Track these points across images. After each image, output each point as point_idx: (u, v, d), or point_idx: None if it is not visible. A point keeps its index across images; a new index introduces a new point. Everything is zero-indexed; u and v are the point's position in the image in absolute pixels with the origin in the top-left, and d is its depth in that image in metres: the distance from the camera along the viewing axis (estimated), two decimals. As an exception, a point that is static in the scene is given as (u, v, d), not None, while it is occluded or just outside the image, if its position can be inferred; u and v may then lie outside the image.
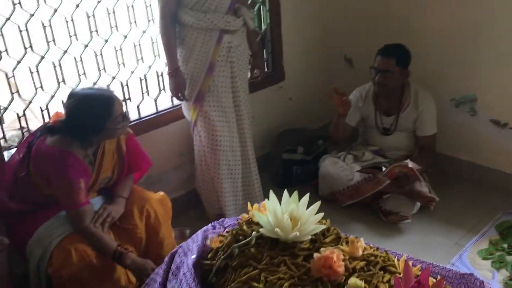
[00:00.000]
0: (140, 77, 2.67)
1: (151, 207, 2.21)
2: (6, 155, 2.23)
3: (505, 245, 2.47)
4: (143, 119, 2.71)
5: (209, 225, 1.77)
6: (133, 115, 2.66)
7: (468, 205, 2.83)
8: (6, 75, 2.20)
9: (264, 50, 3.23)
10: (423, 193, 2.68)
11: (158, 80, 2.76)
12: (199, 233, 1.62)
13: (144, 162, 2.30)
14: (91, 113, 1.92)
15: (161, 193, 2.31)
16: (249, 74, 2.80)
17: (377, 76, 2.77)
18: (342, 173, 2.83)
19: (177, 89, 2.51)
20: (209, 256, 1.51)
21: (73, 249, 1.92)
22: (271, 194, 1.47)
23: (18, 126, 2.36)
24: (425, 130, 2.88)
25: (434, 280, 1.28)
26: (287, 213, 1.41)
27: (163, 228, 2.22)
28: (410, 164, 2.63)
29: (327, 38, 3.48)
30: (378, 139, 2.99)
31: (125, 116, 2.02)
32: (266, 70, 3.26)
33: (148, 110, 2.75)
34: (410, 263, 1.30)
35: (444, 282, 1.30)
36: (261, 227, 1.44)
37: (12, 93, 2.24)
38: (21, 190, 2.06)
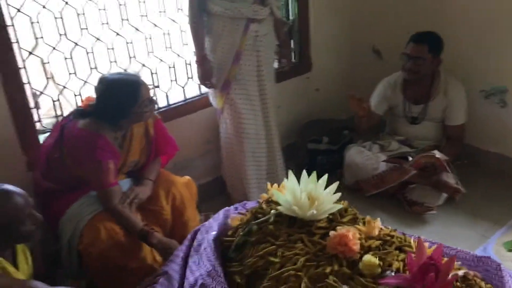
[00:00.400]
0: (168, 65, 2.74)
1: (177, 190, 2.28)
2: (42, 138, 2.34)
3: (532, 238, 2.43)
4: (172, 106, 2.78)
5: (231, 206, 1.82)
6: (161, 102, 2.74)
7: (495, 197, 2.79)
8: (42, 60, 2.30)
9: (292, 41, 3.26)
10: (449, 183, 2.66)
11: (186, 68, 2.83)
12: (221, 212, 1.67)
13: (171, 146, 2.37)
14: (119, 97, 1.99)
15: (187, 177, 2.38)
16: (276, 64, 2.84)
17: (408, 63, 2.76)
18: (367, 162, 2.83)
19: (205, 77, 2.57)
20: (230, 233, 1.56)
21: (102, 227, 2.00)
22: (290, 174, 1.50)
23: (54, 114, 2.46)
24: (454, 119, 2.86)
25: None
26: (305, 192, 1.44)
27: (188, 211, 2.29)
28: (438, 154, 2.61)
29: (356, 29, 3.47)
30: (405, 128, 2.97)
31: (151, 100, 2.09)
32: (293, 60, 3.28)
33: (176, 97, 2.82)
34: (427, 244, 1.31)
35: (460, 263, 1.31)
36: (280, 206, 1.48)
37: (47, 78, 2.34)
38: (54, 171, 2.15)
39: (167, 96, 2.76)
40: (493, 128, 2.97)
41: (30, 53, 2.25)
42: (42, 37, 2.26)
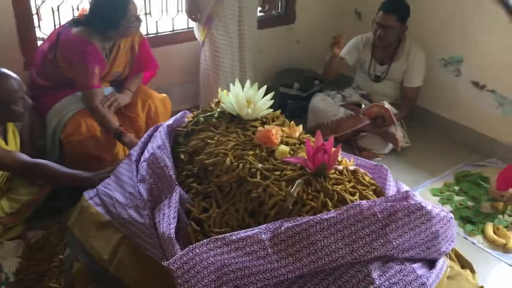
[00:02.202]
0: (161, -4, 3.03)
1: (153, 102, 2.61)
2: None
3: (457, 188, 2.78)
4: (160, 34, 3.07)
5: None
6: (151, 29, 3.03)
7: (436, 154, 3.13)
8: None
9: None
10: (395, 135, 2.99)
11: (177, 2, 3.11)
12: (181, 112, 2.00)
13: (152, 64, 2.68)
14: (109, 9, 2.29)
15: (164, 94, 2.70)
16: (259, 8, 3.12)
17: (378, 31, 3.03)
18: (328, 108, 3.15)
19: (192, 11, 2.86)
20: (183, 125, 1.89)
21: (83, 122, 2.34)
22: (236, 81, 1.83)
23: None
24: (411, 82, 3.16)
25: (348, 161, 1.63)
26: (245, 96, 1.77)
27: (161, 121, 2.60)
28: (386, 105, 2.94)
29: (341, -10, 3.74)
30: (368, 85, 3.28)
31: (138, 17, 2.39)
32: (278, 10, 3.56)
33: (165, 28, 3.11)
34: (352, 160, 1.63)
35: (354, 162, 1.65)
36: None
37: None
38: (48, 70, 2.46)
39: (157, 24, 3.05)
40: (447, 94, 3.29)
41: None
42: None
